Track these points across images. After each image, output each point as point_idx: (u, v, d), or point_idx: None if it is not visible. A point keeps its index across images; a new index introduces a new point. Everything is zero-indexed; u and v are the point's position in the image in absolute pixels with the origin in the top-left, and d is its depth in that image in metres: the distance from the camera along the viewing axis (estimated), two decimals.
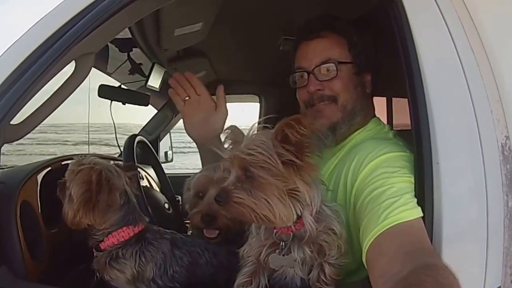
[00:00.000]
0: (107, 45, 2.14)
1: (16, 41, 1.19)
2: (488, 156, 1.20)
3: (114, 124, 2.83)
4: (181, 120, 3.45)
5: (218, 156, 1.18)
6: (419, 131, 1.22)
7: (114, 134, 2.84)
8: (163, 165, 3.13)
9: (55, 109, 1.42)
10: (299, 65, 1.55)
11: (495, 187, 1.20)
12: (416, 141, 1.24)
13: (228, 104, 1.75)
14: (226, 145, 1.18)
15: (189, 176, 1.69)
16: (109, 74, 2.75)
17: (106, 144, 8.76)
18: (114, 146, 2.85)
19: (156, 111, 3.28)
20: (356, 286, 1.38)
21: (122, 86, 2.76)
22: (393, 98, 2.66)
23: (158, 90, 2.71)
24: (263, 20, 2.19)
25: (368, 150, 1.36)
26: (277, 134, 1.05)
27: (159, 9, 1.56)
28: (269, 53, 2.46)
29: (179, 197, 2.06)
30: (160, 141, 3.34)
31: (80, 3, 1.19)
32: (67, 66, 1.30)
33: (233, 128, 1.20)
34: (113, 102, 2.64)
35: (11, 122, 1.22)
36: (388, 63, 1.49)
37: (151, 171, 2.46)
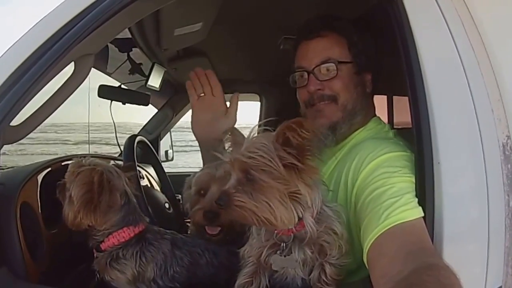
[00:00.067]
0: (107, 45, 2.14)
1: (15, 43, 1.19)
2: (489, 156, 1.20)
3: (114, 123, 2.83)
4: (182, 119, 3.48)
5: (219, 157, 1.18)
6: (420, 130, 1.22)
7: (115, 134, 2.84)
8: (164, 164, 3.14)
9: (55, 110, 1.42)
10: (299, 65, 1.54)
11: (496, 186, 1.20)
12: (417, 140, 1.23)
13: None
14: (226, 146, 1.18)
15: (191, 175, 1.69)
16: (109, 74, 2.76)
17: (106, 144, 8.77)
18: (115, 145, 2.85)
19: (156, 110, 3.29)
20: (357, 285, 1.38)
21: (122, 86, 2.77)
22: (394, 97, 2.66)
23: (158, 89, 2.71)
24: (263, 19, 2.19)
25: (369, 149, 1.35)
26: (278, 137, 1.05)
27: (159, 9, 1.55)
28: (269, 53, 2.46)
29: (180, 196, 2.06)
30: (160, 140, 3.34)
31: (79, 4, 1.19)
32: (66, 67, 1.30)
33: (233, 130, 1.19)
34: (113, 101, 2.64)
35: (11, 124, 1.22)
36: (388, 62, 1.49)
37: (151, 171, 2.46)
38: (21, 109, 1.21)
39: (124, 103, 2.66)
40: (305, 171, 1.05)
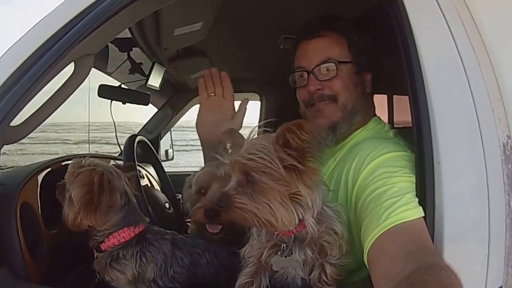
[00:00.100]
0: (107, 45, 2.14)
1: (15, 43, 1.19)
2: (489, 156, 1.20)
3: (114, 123, 2.83)
4: (182, 119, 3.48)
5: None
6: (420, 130, 1.22)
7: (115, 133, 2.84)
8: (165, 163, 3.14)
9: (54, 110, 1.42)
10: (299, 65, 1.54)
11: (497, 186, 1.19)
12: (417, 140, 1.23)
13: None
14: (225, 147, 1.18)
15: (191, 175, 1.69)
16: (109, 74, 2.76)
17: (107, 143, 8.77)
18: (115, 144, 2.85)
19: (156, 110, 3.29)
20: (357, 285, 1.38)
21: (122, 86, 2.77)
22: (394, 96, 2.66)
23: (158, 89, 2.71)
24: (263, 19, 2.19)
25: (369, 149, 1.35)
26: (278, 138, 1.04)
27: (158, 9, 1.55)
28: (269, 52, 2.46)
29: (180, 196, 2.06)
30: (160, 139, 3.34)
31: (79, 4, 1.19)
32: (66, 67, 1.30)
33: (232, 131, 1.19)
34: (113, 101, 2.64)
35: (11, 124, 1.22)
36: (389, 62, 1.49)
37: (151, 170, 2.46)
38: (21, 109, 1.21)
39: (124, 103, 2.66)
40: (306, 173, 1.05)
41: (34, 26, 1.18)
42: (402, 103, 2.58)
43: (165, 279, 1.39)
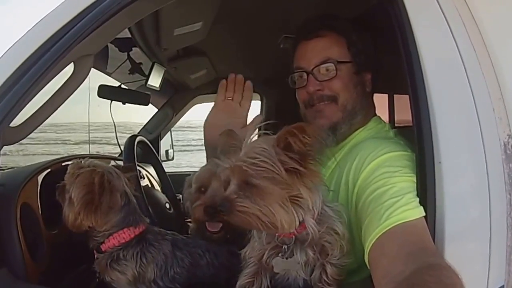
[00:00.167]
0: (107, 45, 2.14)
1: (15, 43, 1.19)
2: (490, 155, 1.20)
3: (114, 123, 2.83)
4: (182, 119, 3.48)
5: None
6: (420, 130, 1.21)
7: (115, 134, 2.83)
8: (167, 163, 3.13)
9: (55, 110, 1.42)
10: (298, 65, 1.54)
11: (498, 185, 1.19)
12: (418, 140, 1.23)
13: None
14: (221, 148, 1.17)
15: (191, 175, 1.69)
16: (109, 74, 2.76)
17: (107, 143, 8.78)
18: (115, 145, 2.85)
19: (156, 110, 3.29)
20: (358, 285, 1.38)
21: (122, 86, 2.77)
22: (395, 95, 2.65)
23: (158, 89, 2.71)
24: (262, 19, 2.18)
25: (369, 149, 1.35)
26: (279, 141, 1.04)
27: (158, 9, 1.55)
28: (269, 52, 2.45)
29: (180, 196, 2.06)
30: (161, 139, 3.34)
31: (79, 4, 1.19)
32: (66, 67, 1.29)
33: (230, 132, 1.19)
34: (113, 101, 2.64)
35: (11, 124, 1.22)
36: (389, 61, 1.49)
37: (152, 170, 2.46)
38: (21, 110, 1.20)
39: (124, 103, 2.66)
40: (307, 175, 1.05)
41: (34, 26, 1.18)
42: (403, 102, 2.58)
43: (165, 279, 1.39)
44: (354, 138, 1.51)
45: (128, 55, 2.49)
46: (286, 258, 1.16)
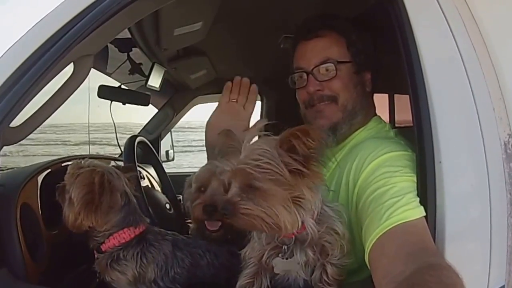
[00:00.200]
0: (107, 45, 2.14)
1: (15, 43, 1.18)
2: (490, 154, 1.20)
3: (114, 124, 2.83)
4: (182, 119, 3.48)
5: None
6: (421, 130, 1.21)
7: (115, 134, 2.83)
8: (169, 164, 3.13)
9: (55, 111, 1.41)
10: (298, 66, 1.54)
11: (498, 185, 1.19)
12: (418, 140, 1.23)
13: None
14: (219, 149, 1.17)
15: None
16: (109, 74, 2.76)
17: (108, 144, 8.78)
18: (116, 146, 2.85)
19: (156, 110, 3.29)
20: (358, 285, 1.38)
21: (122, 86, 2.77)
22: (396, 94, 2.65)
23: (158, 89, 2.71)
24: (262, 19, 2.18)
25: (370, 149, 1.35)
26: (282, 143, 1.04)
27: (158, 9, 1.55)
28: (269, 52, 2.45)
29: (180, 197, 2.06)
30: (161, 140, 3.34)
31: (79, 4, 1.18)
32: (66, 67, 1.29)
33: (228, 132, 1.18)
34: (113, 101, 2.64)
35: (11, 125, 1.22)
36: (389, 60, 1.49)
37: (152, 171, 2.46)
38: (21, 110, 1.20)
39: (124, 103, 2.66)
40: (309, 176, 1.05)
41: (33, 26, 1.17)
42: (403, 102, 2.57)
43: (165, 279, 1.39)
44: (354, 138, 1.51)
45: (128, 55, 2.49)
46: (286, 259, 1.16)
